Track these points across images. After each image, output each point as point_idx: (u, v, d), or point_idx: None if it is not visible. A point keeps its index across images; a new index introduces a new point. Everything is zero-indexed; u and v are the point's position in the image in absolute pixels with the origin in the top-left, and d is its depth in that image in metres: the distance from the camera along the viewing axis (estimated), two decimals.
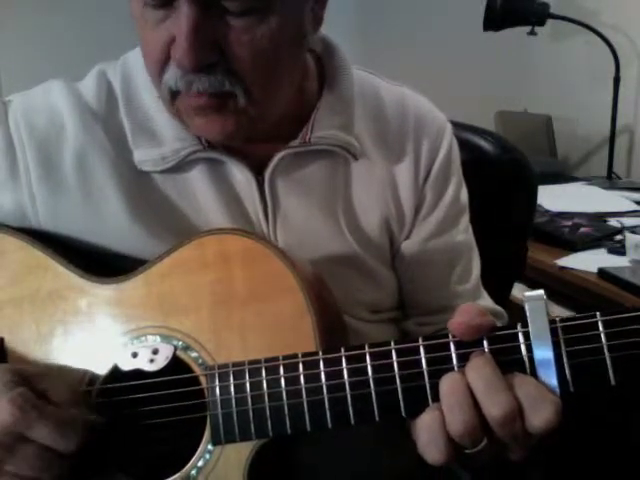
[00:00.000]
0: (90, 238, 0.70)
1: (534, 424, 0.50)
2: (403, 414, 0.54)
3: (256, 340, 0.59)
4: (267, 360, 0.57)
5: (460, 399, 0.51)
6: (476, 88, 2.34)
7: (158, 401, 0.60)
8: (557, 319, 0.52)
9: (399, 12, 2.78)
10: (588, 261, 1.18)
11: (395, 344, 0.55)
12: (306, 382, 0.56)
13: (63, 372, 0.63)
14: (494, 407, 0.50)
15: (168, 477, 0.60)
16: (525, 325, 0.52)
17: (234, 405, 0.57)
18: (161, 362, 0.60)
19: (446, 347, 0.54)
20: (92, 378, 0.62)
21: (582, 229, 1.34)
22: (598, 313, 0.51)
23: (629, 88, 1.87)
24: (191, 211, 0.71)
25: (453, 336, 0.54)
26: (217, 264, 0.61)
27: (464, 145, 0.85)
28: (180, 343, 0.61)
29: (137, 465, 0.62)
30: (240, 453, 0.58)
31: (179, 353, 0.60)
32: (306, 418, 0.55)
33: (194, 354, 0.60)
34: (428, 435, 0.52)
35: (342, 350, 0.56)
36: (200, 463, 0.59)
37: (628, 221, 1.40)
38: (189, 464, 0.59)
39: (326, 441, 0.64)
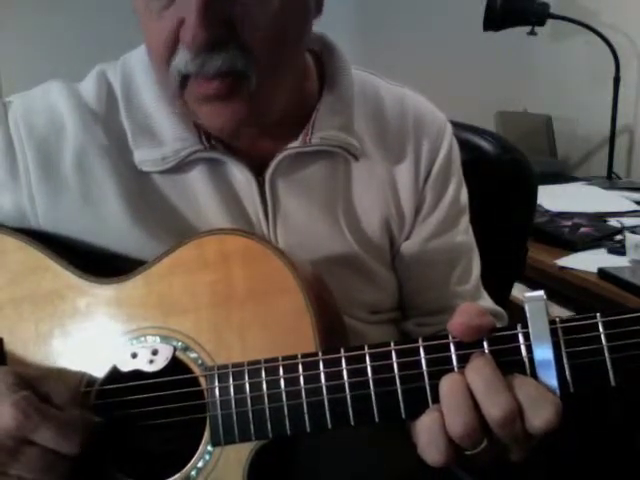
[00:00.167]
0: (90, 238, 0.70)
1: (534, 425, 0.50)
2: (403, 415, 0.54)
3: (256, 340, 0.59)
4: (267, 361, 0.57)
5: (460, 400, 0.51)
6: (476, 88, 2.34)
7: (157, 402, 0.60)
8: (557, 320, 0.52)
9: (399, 12, 2.78)
10: (588, 261, 1.18)
11: (395, 345, 0.54)
12: (306, 383, 0.56)
13: (62, 373, 0.62)
14: (494, 408, 0.50)
15: (168, 478, 0.60)
16: (525, 326, 0.52)
17: (233, 406, 0.57)
18: (160, 363, 0.60)
19: (446, 348, 0.54)
20: (91, 379, 0.62)
21: (582, 229, 1.34)
22: (598, 314, 0.51)
23: (629, 88, 1.87)
24: (191, 211, 0.71)
25: (453, 337, 0.54)
26: (217, 264, 0.61)
27: (464, 145, 0.85)
28: (179, 344, 0.60)
29: (137, 465, 0.62)
30: (240, 454, 0.58)
31: (178, 354, 0.60)
32: (306, 419, 0.55)
33: (193, 355, 0.60)
34: (428, 436, 0.52)
35: (342, 351, 0.55)
36: (200, 464, 0.59)
37: (628, 221, 1.40)
38: (189, 465, 0.59)
39: (326, 442, 0.64)
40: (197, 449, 0.59)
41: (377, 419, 0.54)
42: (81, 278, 0.64)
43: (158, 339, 0.61)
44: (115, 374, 0.62)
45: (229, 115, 0.64)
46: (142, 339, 0.62)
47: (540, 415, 0.50)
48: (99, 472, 0.61)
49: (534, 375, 0.52)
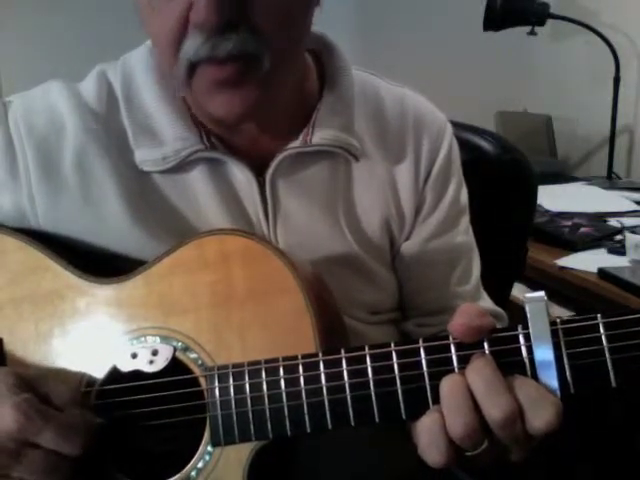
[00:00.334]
0: (90, 238, 0.70)
1: (535, 426, 0.50)
2: (403, 416, 0.54)
3: (256, 341, 0.59)
4: (267, 361, 0.57)
5: (460, 401, 0.51)
6: (476, 88, 2.34)
7: (158, 402, 0.60)
8: (558, 320, 0.52)
9: (399, 12, 2.78)
10: (588, 261, 1.18)
11: (395, 346, 0.54)
12: (306, 383, 0.55)
13: (62, 373, 0.62)
14: (495, 409, 0.50)
15: (168, 478, 0.60)
16: (526, 326, 0.52)
17: (234, 406, 0.57)
18: (160, 363, 0.60)
19: (446, 349, 0.54)
20: (91, 379, 0.62)
21: (582, 229, 1.34)
22: (599, 315, 0.51)
23: (629, 88, 1.87)
24: (191, 212, 0.71)
25: (453, 338, 0.53)
26: (217, 264, 0.61)
27: (464, 145, 0.85)
28: (179, 344, 0.60)
29: (137, 466, 0.62)
30: (240, 454, 0.58)
31: (178, 354, 0.60)
32: (306, 419, 0.55)
33: (193, 355, 0.60)
34: (428, 437, 0.52)
35: (342, 351, 0.55)
36: (200, 464, 0.59)
37: (628, 221, 1.40)
38: (189, 465, 0.59)
39: (326, 442, 0.64)
40: (197, 449, 0.59)
41: (377, 420, 0.54)
42: (81, 278, 0.64)
43: (158, 339, 0.61)
44: (115, 374, 0.62)
45: (238, 101, 0.63)
46: (142, 339, 0.61)
47: (540, 416, 0.50)
48: (99, 472, 0.61)
49: (535, 376, 0.52)
